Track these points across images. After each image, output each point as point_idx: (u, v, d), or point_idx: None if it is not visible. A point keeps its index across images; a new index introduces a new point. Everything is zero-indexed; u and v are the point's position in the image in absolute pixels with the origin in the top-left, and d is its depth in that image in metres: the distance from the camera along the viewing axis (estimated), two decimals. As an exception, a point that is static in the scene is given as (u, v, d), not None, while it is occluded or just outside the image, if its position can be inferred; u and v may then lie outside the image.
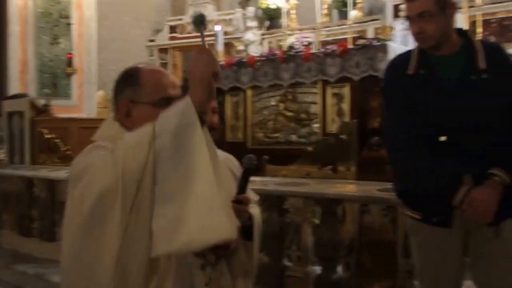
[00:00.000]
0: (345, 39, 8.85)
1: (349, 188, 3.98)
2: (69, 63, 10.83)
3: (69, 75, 10.90)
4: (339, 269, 3.82)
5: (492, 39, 7.98)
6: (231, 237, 1.49)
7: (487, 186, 2.32)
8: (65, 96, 10.92)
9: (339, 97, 5.85)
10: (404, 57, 2.64)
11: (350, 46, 5.86)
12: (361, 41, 5.92)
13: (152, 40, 12.87)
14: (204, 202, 1.45)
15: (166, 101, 1.70)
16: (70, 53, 10.84)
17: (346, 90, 5.77)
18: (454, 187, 2.36)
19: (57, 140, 7.41)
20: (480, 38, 7.81)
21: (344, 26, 9.46)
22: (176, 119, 1.49)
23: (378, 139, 4.88)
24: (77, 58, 10.96)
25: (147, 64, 1.87)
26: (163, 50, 12.75)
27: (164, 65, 11.98)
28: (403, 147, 2.50)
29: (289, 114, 6.37)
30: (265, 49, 10.42)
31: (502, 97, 2.42)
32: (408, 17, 2.53)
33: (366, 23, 9.39)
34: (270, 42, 10.84)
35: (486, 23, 8.06)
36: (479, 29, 7.92)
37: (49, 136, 7.45)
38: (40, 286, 5.23)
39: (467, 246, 2.51)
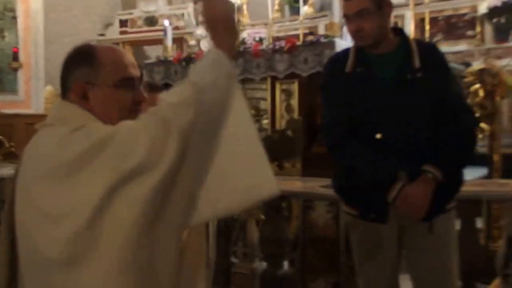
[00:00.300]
0: (297, 35, 8.94)
1: (293, 184, 4.03)
2: (15, 57, 10.58)
3: (15, 70, 10.65)
4: (285, 265, 3.88)
5: (439, 36, 8.17)
6: (277, 192, 1.41)
7: (420, 182, 2.39)
8: (11, 91, 10.68)
9: (287, 93, 5.89)
10: (343, 55, 2.69)
11: (299, 42, 5.90)
12: (309, 38, 5.97)
13: (102, 35, 12.69)
14: (249, 157, 1.39)
15: (128, 82, 1.60)
16: (16, 47, 10.60)
17: (294, 86, 5.81)
18: (389, 184, 2.42)
19: (1, 137, 7.27)
20: (428, 35, 7.99)
21: (296, 22, 9.54)
22: (214, 70, 1.42)
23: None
24: (23, 52, 10.71)
25: (99, 42, 1.76)
26: (114, 45, 12.57)
27: (114, 60, 11.82)
28: (339, 144, 2.56)
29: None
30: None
31: (435, 96, 2.49)
32: (345, 16, 2.58)
33: (317, 19, 9.47)
34: (222, 37, 10.82)
35: (433, 21, 8.23)
36: (427, 27, 8.08)
37: (-8, 132, 7.30)
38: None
39: (403, 241, 2.59)
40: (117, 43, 12.53)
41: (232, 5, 1.49)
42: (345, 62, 2.62)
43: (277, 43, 6.07)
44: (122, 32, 12.48)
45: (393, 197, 2.40)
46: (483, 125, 4.54)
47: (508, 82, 4.62)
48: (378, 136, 2.48)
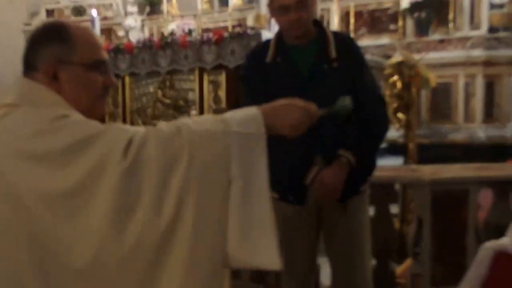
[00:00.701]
0: (226, 26, 9.04)
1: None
2: None
3: None
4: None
5: (363, 30, 8.46)
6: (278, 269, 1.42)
7: (335, 166, 2.54)
8: None
9: (215, 84, 5.99)
10: (263, 45, 2.81)
11: (227, 34, 6.00)
12: (236, 30, 6.09)
13: (28, 24, 12.39)
14: (263, 227, 1.38)
15: (101, 65, 1.53)
16: None
17: (222, 78, 5.91)
18: (307, 167, 2.57)
19: None
20: (353, 29, 8.27)
21: (224, 14, 9.65)
22: (245, 124, 1.42)
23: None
24: None
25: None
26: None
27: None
28: None
29: (167, 101, 6.44)
30: (146, 35, 10.39)
31: (350, 85, 2.65)
32: (285, 6, 2.60)
33: (245, 11, 9.61)
34: (151, 28, 10.81)
35: (358, 15, 8.52)
36: (352, 20, 8.36)
37: None
38: None
39: (321, 222, 2.74)
40: (43, 33, 12.27)
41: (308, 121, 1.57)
42: (265, 53, 2.73)
43: (205, 34, 6.15)
44: (48, 22, 12.21)
45: (310, 180, 2.54)
46: (400, 115, 4.78)
47: (424, 74, 4.88)
48: None
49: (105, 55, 1.55)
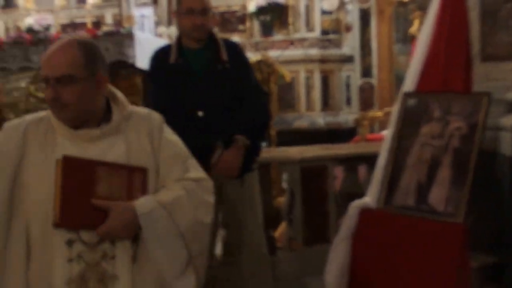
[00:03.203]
0: (84, 23, 9.00)
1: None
2: None
3: None
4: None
5: (216, 29, 8.95)
6: None
7: (233, 148, 2.95)
8: None
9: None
10: (166, 49, 3.16)
11: (100, 32, 6.12)
12: (106, 29, 6.24)
13: None
14: None
15: None
16: None
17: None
18: (208, 152, 2.92)
19: None
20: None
21: (83, 10, 9.60)
22: None
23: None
24: None
25: None
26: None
27: None
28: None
29: (41, 95, 6.40)
30: (1, 29, 9.97)
31: (240, 82, 3.09)
32: (191, 9, 2.98)
33: (104, 9, 9.61)
34: (6, 22, 10.37)
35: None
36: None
37: None
38: None
39: (221, 197, 3.13)
40: None
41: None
42: (168, 55, 3.09)
43: (77, 31, 6.22)
44: None
45: (214, 161, 2.92)
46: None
47: (280, 71, 5.45)
48: (200, 113, 3.00)
49: None
